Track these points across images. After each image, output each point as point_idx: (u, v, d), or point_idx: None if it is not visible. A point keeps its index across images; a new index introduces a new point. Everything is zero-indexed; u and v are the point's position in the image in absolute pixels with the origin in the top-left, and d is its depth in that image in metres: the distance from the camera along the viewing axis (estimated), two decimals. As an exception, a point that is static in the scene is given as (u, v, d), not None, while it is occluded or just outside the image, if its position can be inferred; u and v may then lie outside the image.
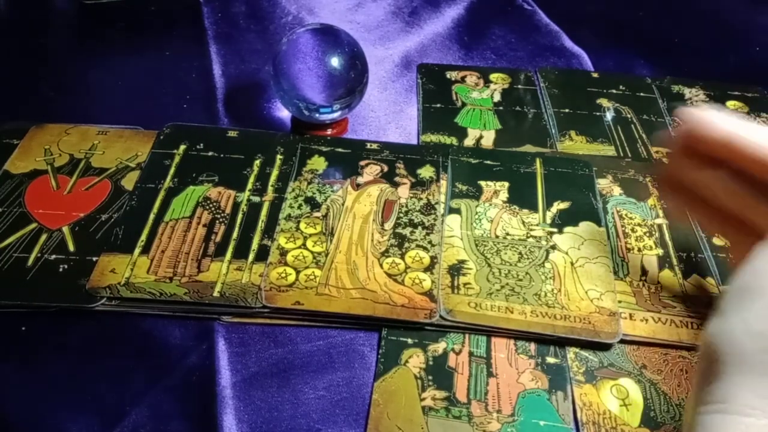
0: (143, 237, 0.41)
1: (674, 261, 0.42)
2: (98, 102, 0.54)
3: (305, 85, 0.46)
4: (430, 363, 0.36)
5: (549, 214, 0.44)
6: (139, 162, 0.47)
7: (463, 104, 0.55)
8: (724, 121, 0.32)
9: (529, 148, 0.50)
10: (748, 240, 0.34)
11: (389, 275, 0.40)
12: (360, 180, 0.46)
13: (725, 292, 0.26)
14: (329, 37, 0.47)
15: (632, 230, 0.44)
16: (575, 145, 0.51)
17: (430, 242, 0.42)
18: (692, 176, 0.34)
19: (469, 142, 0.51)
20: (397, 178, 0.47)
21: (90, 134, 0.49)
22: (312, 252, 0.41)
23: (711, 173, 0.33)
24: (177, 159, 0.47)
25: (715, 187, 0.33)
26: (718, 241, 0.43)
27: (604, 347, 0.37)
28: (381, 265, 0.40)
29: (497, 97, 0.56)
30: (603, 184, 0.47)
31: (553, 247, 0.42)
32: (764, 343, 0.24)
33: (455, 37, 0.64)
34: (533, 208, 0.45)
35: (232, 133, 0.50)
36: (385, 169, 0.47)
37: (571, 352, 0.37)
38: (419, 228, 0.43)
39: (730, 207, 0.33)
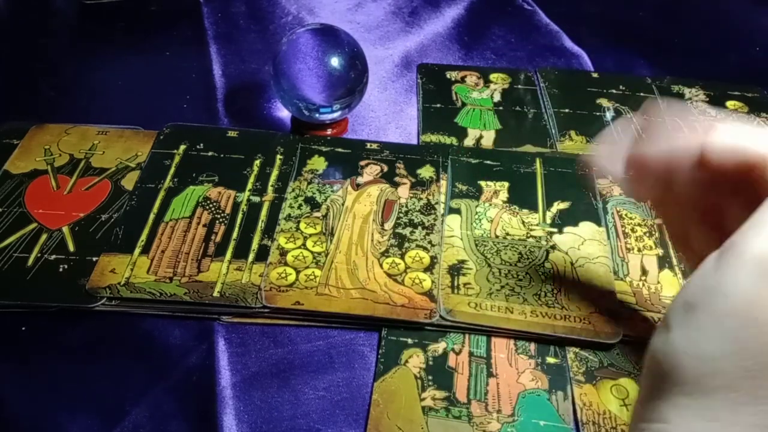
0: (143, 237, 0.41)
1: (674, 261, 0.42)
2: (98, 102, 0.54)
3: (305, 85, 0.46)
4: (430, 363, 0.36)
5: (549, 214, 0.44)
6: (139, 162, 0.47)
7: (463, 104, 0.55)
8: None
9: (529, 148, 0.50)
10: (705, 245, 0.31)
11: (389, 275, 0.40)
12: (360, 180, 0.46)
13: (672, 303, 0.24)
14: (329, 37, 0.47)
15: (632, 230, 0.44)
16: (575, 145, 0.51)
17: (430, 242, 0.42)
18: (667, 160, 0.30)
19: (469, 142, 0.51)
20: (397, 178, 0.46)
21: (90, 134, 0.49)
22: (312, 252, 0.41)
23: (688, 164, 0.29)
24: (177, 159, 0.47)
25: (688, 177, 0.29)
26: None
27: (604, 347, 0.37)
28: (381, 265, 0.40)
29: (497, 97, 0.56)
30: (603, 184, 0.47)
31: (553, 247, 0.42)
32: (712, 366, 0.22)
33: (455, 37, 0.64)
34: (533, 208, 0.45)
35: (232, 133, 0.50)
36: (385, 169, 0.47)
37: (571, 352, 0.37)
38: (419, 228, 0.43)
39: (699, 203, 0.30)
